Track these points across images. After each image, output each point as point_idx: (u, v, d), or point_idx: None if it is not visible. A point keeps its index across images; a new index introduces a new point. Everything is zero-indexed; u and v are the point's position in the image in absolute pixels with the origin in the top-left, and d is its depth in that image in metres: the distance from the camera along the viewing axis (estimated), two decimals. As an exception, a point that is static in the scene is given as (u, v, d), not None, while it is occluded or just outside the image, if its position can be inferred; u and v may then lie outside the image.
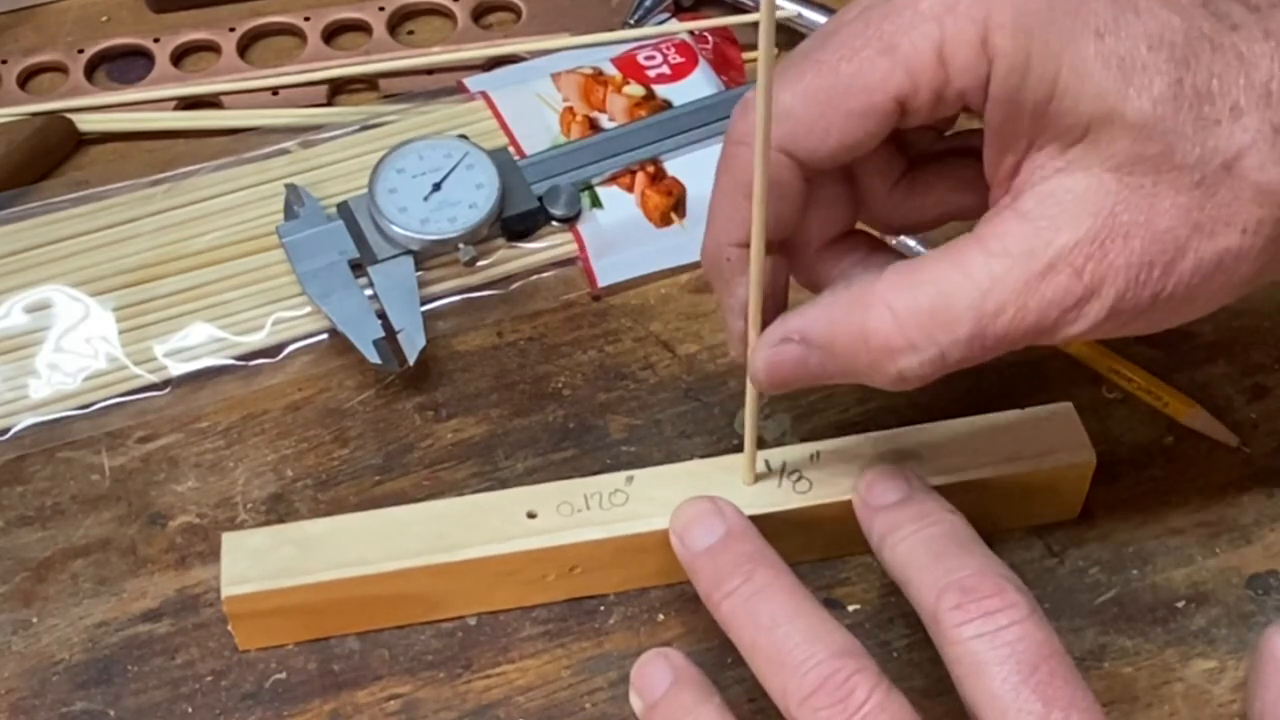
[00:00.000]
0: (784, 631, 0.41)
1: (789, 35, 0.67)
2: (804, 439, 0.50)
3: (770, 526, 0.45)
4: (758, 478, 0.48)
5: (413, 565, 0.47)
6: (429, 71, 0.66)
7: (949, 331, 0.40)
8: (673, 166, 0.61)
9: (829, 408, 0.54)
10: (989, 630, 0.39)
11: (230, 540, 0.47)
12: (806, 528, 0.48)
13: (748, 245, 0.42)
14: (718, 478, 0.48)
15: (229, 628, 0.48)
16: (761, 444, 0.48)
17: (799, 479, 0.48)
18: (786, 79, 0.41)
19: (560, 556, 0.47)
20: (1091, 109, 0.39)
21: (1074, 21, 0.39)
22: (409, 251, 0.57)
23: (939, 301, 0.40)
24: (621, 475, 0.48)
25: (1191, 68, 0.39)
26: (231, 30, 0.67)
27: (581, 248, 0.59)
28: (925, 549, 0.42)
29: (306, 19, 0.68)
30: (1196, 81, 0.39)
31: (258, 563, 0.46)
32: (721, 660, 0.47)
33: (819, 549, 0.50)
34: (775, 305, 0.45)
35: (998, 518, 0.49)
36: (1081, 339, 0.41)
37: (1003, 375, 0.54)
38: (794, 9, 0.66)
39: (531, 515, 0.47)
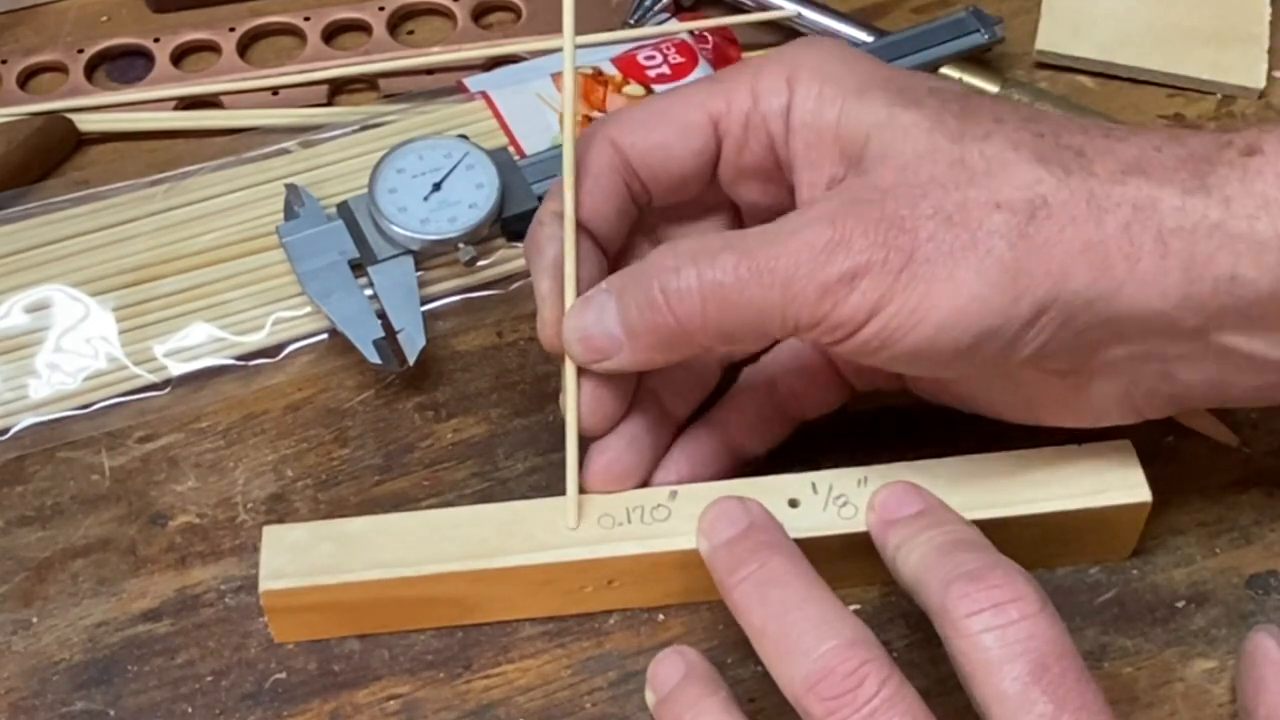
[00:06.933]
0: (793, 618, 0.40)
1: (790, 35, 0.67)
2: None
3: (812, 550, 0.44)
4: (801, 502, 0.47)
5: (451, 570, 0.46)
6: (429, 71, 0.66)
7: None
8: (673, 166, 0.61)
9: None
10: (998, 624, 0.39)
11: (271, 534, 0.47)
12: (848, 553, 0.47)
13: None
14: (762, 499, 0.46)
15: (264, 620, 0.48)
16: None
17: (844, 504, 0.47)
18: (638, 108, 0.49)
19: (599, 569, 0.47)
20: (869, 122, 0.44)
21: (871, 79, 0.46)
22: (409, 251, 0.57)
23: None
24: (665, 490, 0.48)
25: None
26: (231, 30, 0.67)
27: (581, 248, 0.58)
28: (935, 551, 0.42)
29: (306, 19, 0.68)
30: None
31: (297, 558, 0.46)
32: (721, 660, 0.47)
33: (859, 576, 0.49)
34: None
35: (1048, 556, 0.48)
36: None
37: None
38: (794, 9, 0.66)
39: (572, 526, 0.47)
